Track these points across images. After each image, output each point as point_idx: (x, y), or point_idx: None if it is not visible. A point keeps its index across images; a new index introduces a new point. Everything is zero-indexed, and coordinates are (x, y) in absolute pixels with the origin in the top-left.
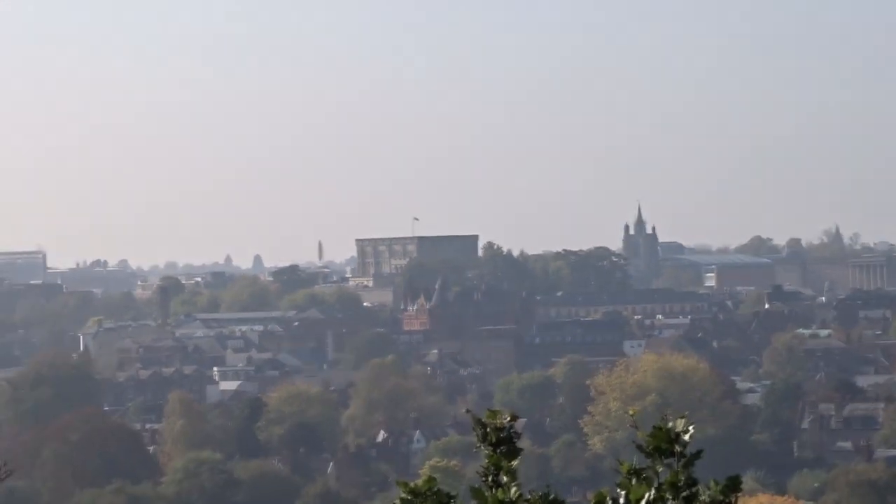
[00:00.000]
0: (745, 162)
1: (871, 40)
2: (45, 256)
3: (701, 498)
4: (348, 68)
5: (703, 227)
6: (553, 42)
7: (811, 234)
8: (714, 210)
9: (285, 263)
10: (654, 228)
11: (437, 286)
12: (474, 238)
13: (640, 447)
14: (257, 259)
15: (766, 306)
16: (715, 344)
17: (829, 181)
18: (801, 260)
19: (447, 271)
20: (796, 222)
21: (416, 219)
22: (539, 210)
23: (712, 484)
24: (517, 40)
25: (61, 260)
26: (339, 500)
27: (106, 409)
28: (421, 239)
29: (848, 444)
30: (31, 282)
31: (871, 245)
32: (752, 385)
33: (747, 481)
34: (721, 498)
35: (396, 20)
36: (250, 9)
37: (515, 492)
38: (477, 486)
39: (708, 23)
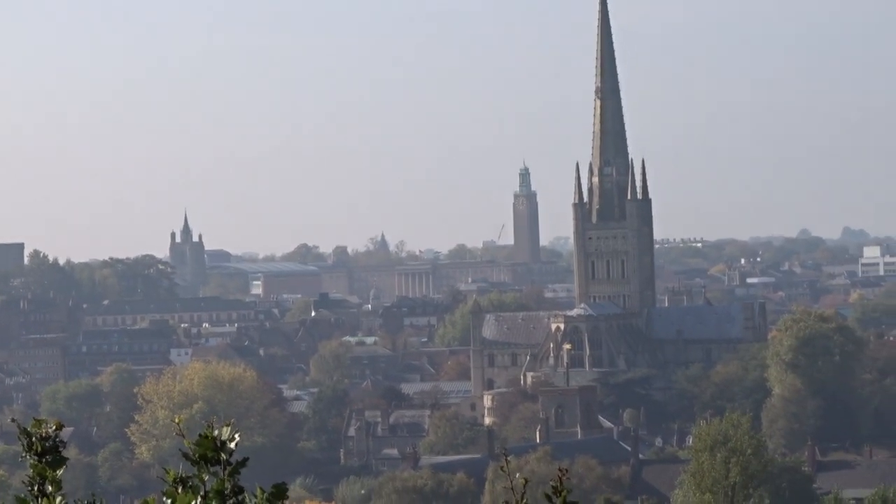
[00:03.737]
0: (289, 171)
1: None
2: None
3: None
4: None
5: (249, 235)
6: (115, 48)
7: (357, 242)
8: (260, 218)
9: None
10: (200, 236)
11: None
12: (20, 246)
13: (186, 455)
14: None
15: (313, 314)
16: (262, 352)
17: (374, 190)
18: (347, 268)
19: None
20: (342, 230)
21: None
22: (85, 218)
23: (258, 491)
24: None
25: None
26: None
27: None
28: None
29: (394, 451)
30: None
31: (417, 252)
32: (298, 393)
33: (295, 489)
34: None
35: None
36: None
37: (61, 501)
38: (23, 495)
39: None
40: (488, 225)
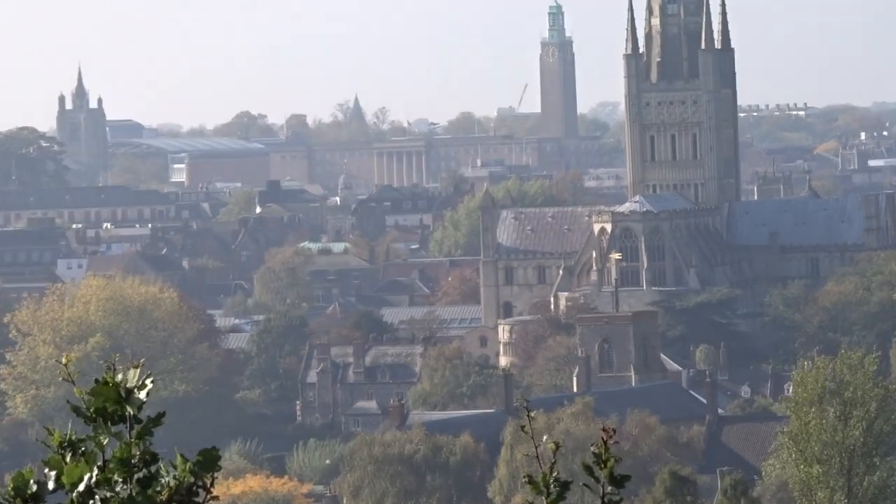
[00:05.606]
0: (224, 11)
1: None
2: None
3: (163, 479)
4: None
5: (168, 100)
6: None
7: (320, 110)
8: (184, 77)
9: None
10: (100, 101)
11: None
12: None
13: (77, 409)
14: None
15: (259, 210)
16: (186, 264)
17: (343, 35)
18: (305, 145)
19: None
20: (298, 93)
21: None
22: None
23: (179, 460)
24: None
25: None
26: None
27: None
28: None
29: (372, 404)
30: None
31: (405, 125)
32: (237, 321)
33: (231, 456)
34: (192, 480)
35: None
36: None
37: None
38: None
39: None
40: (505, 86)
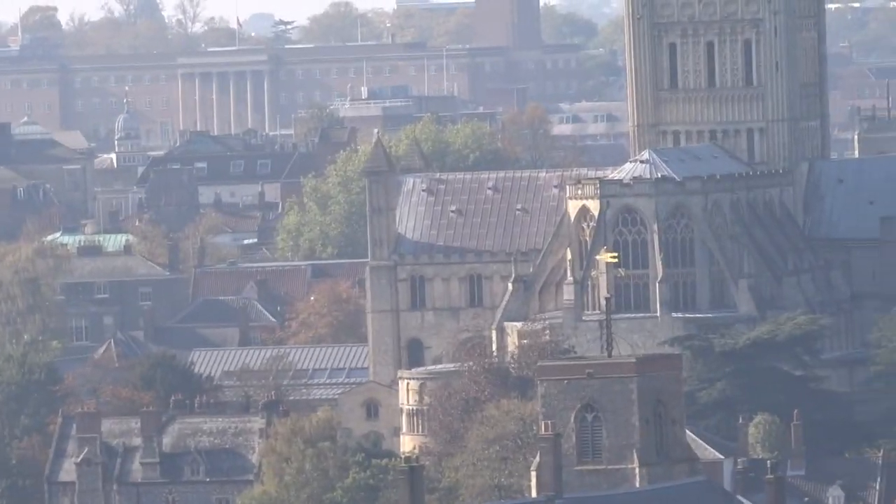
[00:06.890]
0: None
1: None
2: None
3: None
4: None
5: None
6: None
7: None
8: None
9: None
10: None
11: None
12: None
13: None
14: None
15: None
16: None
17: None
18: (56, 61)
19: None
20: None
21: None
22: None
23: None
24: None
25: None
26: None
27: None
28: None
29: None
30: None
31: (235, 25)
32: None
33: None
34: None
35: None
36: None
37: None
38: None
39: None
40: None
